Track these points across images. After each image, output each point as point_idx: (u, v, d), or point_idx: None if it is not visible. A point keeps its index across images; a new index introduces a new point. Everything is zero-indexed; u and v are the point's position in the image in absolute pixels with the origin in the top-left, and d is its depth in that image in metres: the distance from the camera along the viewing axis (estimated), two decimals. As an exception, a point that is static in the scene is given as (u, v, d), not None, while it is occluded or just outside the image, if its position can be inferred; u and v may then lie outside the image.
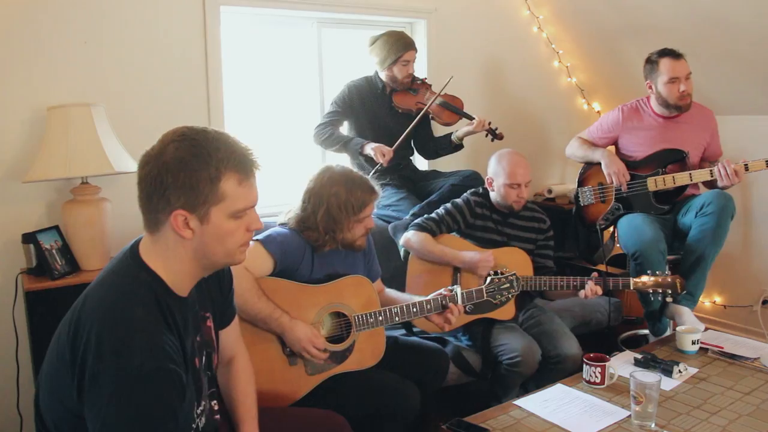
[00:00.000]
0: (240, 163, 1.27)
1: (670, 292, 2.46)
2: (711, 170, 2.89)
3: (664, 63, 2.97)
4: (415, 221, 2.72)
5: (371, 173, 3.08)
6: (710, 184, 3.00)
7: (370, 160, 3.19)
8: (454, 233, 2.74)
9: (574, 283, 2.51)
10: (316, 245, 2.14)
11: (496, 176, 2.69)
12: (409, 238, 2.67)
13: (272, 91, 3.47)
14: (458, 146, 3.37)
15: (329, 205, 2.10)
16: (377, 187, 2.20)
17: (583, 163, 3.30)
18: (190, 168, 1.22)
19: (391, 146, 3.11)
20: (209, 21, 3.03)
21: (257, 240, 2.06)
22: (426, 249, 2.62)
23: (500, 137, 3.23)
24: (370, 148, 3.10)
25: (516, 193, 2.65)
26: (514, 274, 2.34)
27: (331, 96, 3.35)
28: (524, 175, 2.65)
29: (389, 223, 3.09)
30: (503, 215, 2.75)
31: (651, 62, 3.03)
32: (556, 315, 2.76)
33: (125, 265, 1.29)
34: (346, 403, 2.03)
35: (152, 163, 1.24)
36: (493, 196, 2.74)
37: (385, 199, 3.21)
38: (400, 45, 3.17)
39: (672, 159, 3.02)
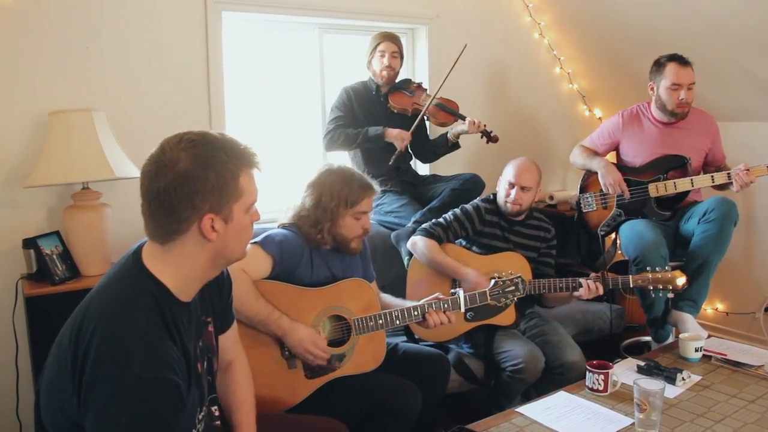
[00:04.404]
0: (249, 159, 1.32)
1: (671, 287, 2.44)
2: (729, 173, 2.88)
3: (670, 68, 2.96)
4: (423, 226, 2.72)
5: (391, 161, 3.12)
6: (716, 188, 3.01)
7: (370, 159, 3.20)
8: (460, 241, 2.74)
9: (573, 285, 2.50)
10: (313, 240, 2.12)
11: (503, 176, 2.72)
12: (416, 242, 2.67)
13: (274, 96, 3.47)
14: (455, 145, 3.36)
15: (322, 193, 2.11)
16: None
17: (585, 170, 3.30)
18: (214, 170, 1.24)
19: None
20: (211, 26, 3.03)
21: (255, 242, 2.04)
22: (431, 256, 2.62)
23: (495, 140, 3.23)
24: (392, 135, 3.13)
25: (508, 191, 2.67)
26: (520, 276, 2.32)
27: (332, 101, 3.35)
28: (527, 179, 2.66)
29: (391, 230, 3.09)
30: (510, 222, 2.75)
31: (658, 64, 3.01)
32: (560, 324, 2.75)
33: (128, 273, 1.28)
34: (346, 404, 2.03)
35: (170, 174, 1.22)
36: (498, 199, 2.76)
37: (386, 205, 3.21)
38: (378, 36, 3.23)
39: (673, 165, 3.02)
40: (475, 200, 2.82)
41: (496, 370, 2.54)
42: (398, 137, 3.12)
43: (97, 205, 2.62)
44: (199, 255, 1.29)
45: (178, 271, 1.28)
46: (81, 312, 1.23)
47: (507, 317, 2.62)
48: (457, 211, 2.75)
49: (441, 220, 2.73)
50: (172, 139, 1.27)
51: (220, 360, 1.58)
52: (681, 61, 2.95)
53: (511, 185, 2.68)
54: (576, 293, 2.49)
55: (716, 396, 2.07)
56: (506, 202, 2.70)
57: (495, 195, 2.80)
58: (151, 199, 1.25)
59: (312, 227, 2.12)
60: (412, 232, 2.81)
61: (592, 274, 2.51)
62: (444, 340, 2.64)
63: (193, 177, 1.22)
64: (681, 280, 2.45)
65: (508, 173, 2.70)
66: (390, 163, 3.15)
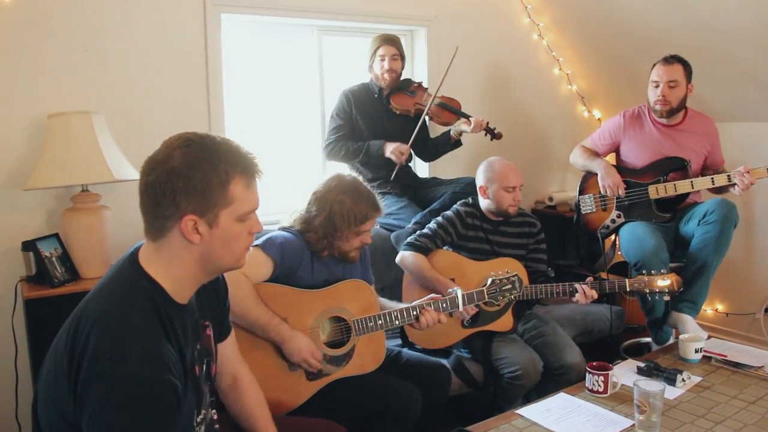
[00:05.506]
0: (246, 167, 1.29)
1: (667, 291, 2.44)
2: (729, 175, 2.87)
3: (655, 67, 3.01)
4: (409, 240, 2.69)
5: (392, 175, 3.11)
6: (716, 191, 3.00)
7: (373, 168, 3.19)
8: (446, 247, 2.73)
9: (570, 289, 2.49)
10: (314, 249, 2.13)
11: (490, 183, 2.68)
12: (404, 257, 2.65)
13: (273, 98, 3.46)
14: (457, 142, 3.36)
15: (332, 211, 2.09)
16: (381, 205, 2.19)
17: (585, 171, 3.30)
18: (200, 172, 1.23)
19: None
20: (210, 28, 3.03)
21: (256, 245, 2.03)
22: (420, 273, 2.60)
23: (499, 137, 3.23)
24: (389, 151, 3.12)
25: (512, 196, 2.65)
26: (516, 274, 2.31)
27: (331, 103, 3.35)
28: (517, 178, 2.66)
29: (391, 231, 3.09)
30: (494, 224, 2.74)
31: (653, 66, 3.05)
32: (558, 325, 2.75)
33: (124, 273, 1.28)
34: (346, 406, 2.03)
35: (159, 169, 1.23)
36: (485, 204, 2.73)
37: (386, 207, 3.18)
38: (376, 40, 3.24)
39: (673, 167, 3.01)
40: (454, 206, 2.80)
41: (495, 375, 2.54)
42: (396, 152, 3.11)
43: (96, 208, 2.61)
44: (185, 256, 1.28)
45: (170, 270, 1.28)
46: (78, 313, 1.23)
47: (504, 323, 2.61)
48: (439, 219, 2.74)
49: (426, 230, 2.70)
50: (173, 137, 1.28)
51: (223, 373, 1.60)
52: (666, 59, 2.98)
53: (512, 188, 2.65)
54: (573, 299, 2.49)
55: (716, 397, 2.07)
56: (509, 206, 2.67)
57: (473, 199, 2.79)
58: (141, 193, 1.26)
59: (318, 241, 2.12)
60: (412, 232, 2.81)
61: (588, 279, 2.51)
62: (440, 347, 2.62)
63: (177, 175, 1.22)
64: (673, 282, 2.45)
65: (500, 179, 2.64)
66: (391, 177, 3.15)
